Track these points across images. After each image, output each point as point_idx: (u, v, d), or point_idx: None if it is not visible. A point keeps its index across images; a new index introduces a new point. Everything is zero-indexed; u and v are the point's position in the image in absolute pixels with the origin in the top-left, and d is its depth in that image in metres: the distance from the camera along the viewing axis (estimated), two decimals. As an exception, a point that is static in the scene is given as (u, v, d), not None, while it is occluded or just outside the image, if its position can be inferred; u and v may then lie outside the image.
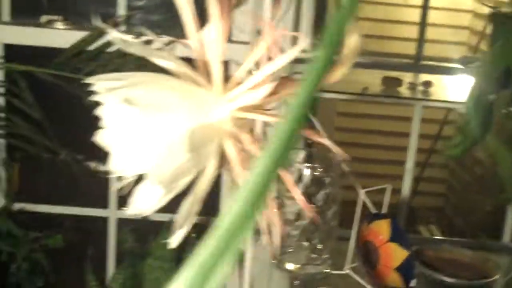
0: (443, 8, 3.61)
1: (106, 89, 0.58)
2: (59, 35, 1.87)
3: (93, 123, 0.60)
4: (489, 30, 3.23)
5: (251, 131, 0.58)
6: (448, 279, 1.73)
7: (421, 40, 1.96)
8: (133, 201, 0.62)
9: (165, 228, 1.65)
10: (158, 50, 0.57)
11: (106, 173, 0.59)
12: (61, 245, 1.81)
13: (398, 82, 1.75)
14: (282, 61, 0.57)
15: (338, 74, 0.64)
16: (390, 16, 3.73)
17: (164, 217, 2.13)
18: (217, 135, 0.56)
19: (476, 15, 3.59)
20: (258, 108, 0.58)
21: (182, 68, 0.58)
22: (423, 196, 3.49)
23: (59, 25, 1.91)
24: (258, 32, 1.82)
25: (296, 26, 1.95)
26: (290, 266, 1.70)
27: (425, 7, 1.91)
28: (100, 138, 0.64)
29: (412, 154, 1.98)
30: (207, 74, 0.61)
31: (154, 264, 1.62)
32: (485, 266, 1.82)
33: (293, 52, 0.56)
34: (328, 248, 1.73)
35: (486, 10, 3.22)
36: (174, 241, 0.61)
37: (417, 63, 1.89)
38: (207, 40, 0.58)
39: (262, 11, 1.83)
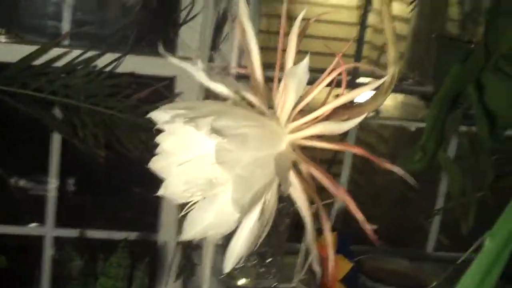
0: (345, 23, 3.74)
1: (174, 117, 0.61)
2: (3, 49, 1.82)
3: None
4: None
5: (315, 159, 0.61)
6: (388, 289, 1.81)
7: (357, 57, 2.04)
8: (188, 226, 0.64)
9: (120, 247, 1.64)
10: (235, 81, 0.59)
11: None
12: (4, 265, 1.76)
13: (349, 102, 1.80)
14: (350, 95, 0.61)
15: (380, 102, 0.69)
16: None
17: (102, 234, 2.11)
18: (289, 162, 0.59)
19: (376, 30, 3.76)
20: (319, 136, 0.62)
21: (250, 98, 0.61)
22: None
23: (2, 38, 1.86)
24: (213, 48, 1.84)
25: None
26: (242, 281, 1.73)
27: (363, 25, 2.00)
28: (156, 164, 0.66)
29: (346, 170, 2.06)
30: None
31: (107, 284, 1.60)
32: (421, 275, 1.92)
33: (363, 89, 0.60)
34: (278, 262, 1.77)
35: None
36: (229, 265, 0.63)
37: (353, 80, 1.97)
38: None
39: (207, 27, 1.87)
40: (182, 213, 0.64)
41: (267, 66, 0.67)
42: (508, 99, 1.38)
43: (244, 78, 0.73)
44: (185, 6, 1.94)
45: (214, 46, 1.90)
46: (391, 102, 1.86)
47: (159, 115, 0.63)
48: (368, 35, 3.80)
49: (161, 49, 0.63)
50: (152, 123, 1.88)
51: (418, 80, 2.03)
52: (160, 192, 0.66)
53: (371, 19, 2.14)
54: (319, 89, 0.62)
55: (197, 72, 0.61)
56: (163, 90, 1.88)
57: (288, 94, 0.60)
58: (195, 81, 1.87)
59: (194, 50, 1.96)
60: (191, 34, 1.96)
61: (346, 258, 1.79)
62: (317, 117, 0.62)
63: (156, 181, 0.67)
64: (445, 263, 2.04)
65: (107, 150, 1.80)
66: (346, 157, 2.13)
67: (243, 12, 0.63)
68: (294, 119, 0.63)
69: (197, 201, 0.64)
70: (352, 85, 2.05)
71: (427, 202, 2.42)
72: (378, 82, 0.63)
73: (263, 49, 0.65)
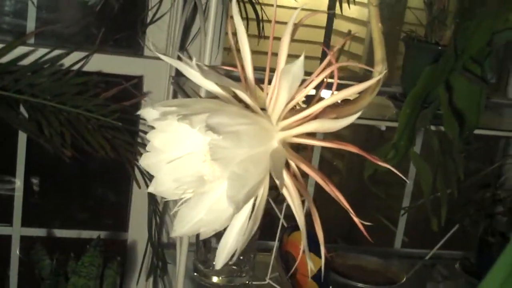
0: (308, 25, 3.76)
1: (165, 114, 0.60)
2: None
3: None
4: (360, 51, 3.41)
5: (305, 158, 0.62)
6: (360, 285, 1.83)
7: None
8: (179, 223, 0.64)
9: (92, 246, 1.63)
10: (228, 79, 0.59)
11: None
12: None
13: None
14: (340, 95, 0.62)
15: (367, 100, 0.70)
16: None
17: (71, 233, 2.10)
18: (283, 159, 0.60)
19: (336, 32, 3.80)
20: (311, 134, 0.62)
21: (242, 96, 0.61)
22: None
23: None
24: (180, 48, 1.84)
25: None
26: (214, 279, 1.74)
27: (329, 29, 2.02)
28: (146, 161, 0.66)
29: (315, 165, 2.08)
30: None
31: (79, 283, 1.59)
32: (390, 271, 1.95)
33: (353, 89, 0.61)
34: (250, 260, 1.78)
35: (345, 28, 3.43)
36: (220, 262, 0.63)
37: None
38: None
39: (175, 27, 1.86)
40: (173, 211, 0.64)
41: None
42: (476, 99, 1.41)
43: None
44: (153, 5, 1.93)
45: (182, 46, 1.89)
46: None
47: (149, 113, 0.62)
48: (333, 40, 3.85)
49: (151, 47, 0.63)
50: (119, 121, 1.85)
51: (385, 81, 2.05)
52: (150, 189, 0.66)
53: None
54: (311, 88, 0.62)
55: (190, 71, 0.61)
56: (131, 89, 1.88)
57: (280, 92, 0.60)
58: (162, 80, 1.87)
59: (161, 50, 1.95)
60: (159, 34, 1.95)
61: (316, 256, 1.81)
62: (307, 116, 0.62)
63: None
64: (413, 259, 2.08)
65: (74, 149, 1.78)
66: (314, 155, 2.15)
67: (235, 11, 0.64)
68: (285, 117, 0.63)
69: (188, 199, 0.64)
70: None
71: (392, 200, 2.46)
72: (369, 82, 0.64)
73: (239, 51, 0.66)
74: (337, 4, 1.80)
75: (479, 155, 2.19)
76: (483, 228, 1.85)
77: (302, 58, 0.56)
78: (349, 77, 2.81)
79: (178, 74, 1.82)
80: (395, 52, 2.63)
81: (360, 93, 0.71)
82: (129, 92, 1.88)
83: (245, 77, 0.65)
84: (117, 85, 1.84)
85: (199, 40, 1.86)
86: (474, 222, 1.84)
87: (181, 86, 1.68)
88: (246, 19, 1.87)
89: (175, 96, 1.85)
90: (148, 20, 1.94)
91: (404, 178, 0.60)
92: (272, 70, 0.65)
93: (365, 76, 2.95)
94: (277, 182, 0.56)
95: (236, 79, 0.64)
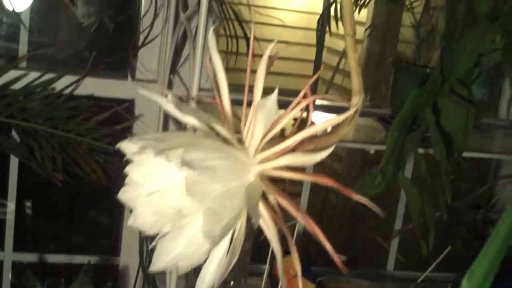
0: (300, 43, 3.78)
1: (143, 148, 0.61)
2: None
3: None
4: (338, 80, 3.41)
5: (283, 189, 0.62)
6: (352, 308, 1.83)
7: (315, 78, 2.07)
8: (157, 257, 0.65)
9: (82, 271, 1.62)
10: (207, 114, 0.60)
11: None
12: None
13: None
14: (318, 127, 0.62)
15: (345, 131, 0.71)
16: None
17: (63, 258, 2.09)
18: (258, 193, 0.60)
19: (329, 50, 3.82)
20: (288, 167, 0.63)
21: (219, 129, 0.62)
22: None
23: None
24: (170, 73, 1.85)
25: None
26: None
27: (319, 51, 2.03)
28: (125, 195, 0.66)
29: (306, 192, 2.08)
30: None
31: (70, 308, 1.58)
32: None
33: (331, 121, 0.62)
34: (241, 284, 1.77)
35: (340, 46, 3.44)
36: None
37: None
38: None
39: (166, 50, 1.87)
40: (152, 245, 0.64)
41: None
42: (463, 121, 1.42)
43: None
44: (144, 28, 1.94)
45: (173, 69, 1.90)
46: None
47: (128, 146, 0.63)
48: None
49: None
50: (110, 146, 1.86)
51: (375, 102, 2.07)
52: (130, 222, 0.66)
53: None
54: (287, 120, 0.63)
55: (167, 105, 0.62)
56: (122, 113, 1.88)
57: (256, 126, 0.61)
58: (154, 103, 1.87)
59: (152, 73, 1.96)
60: (150, 57, 1.96)
61: (308, 280, 1.81)
62: (284, 148, 0.63)
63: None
64: (405, 282, 2.07)
65: (66, 173, 1.78)
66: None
67: (212, 47, 0.64)
68: (263, 150, 0.64)
69: (167, 232, 0.64)
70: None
71: (386, 221, 2.45)
72: (345, 115, 0.64)
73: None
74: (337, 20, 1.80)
75: (471, 176, 2.19)
76: (474, 250, 1.84)
77: (275, 93, 0.57)
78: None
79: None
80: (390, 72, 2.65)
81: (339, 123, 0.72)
82: (121, 115, 1.89)
83: (223, 110, 0.65)
84: (108, 109, 1.85)
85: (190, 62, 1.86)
86: (466, 243, 1.84)
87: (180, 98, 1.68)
88: (235, 37, 1.89)
89: (166, 119, 1.86)
90: (140, 43, 1.95)
91: (378, 209, 0.60)
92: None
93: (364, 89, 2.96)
94: (252, 216, 0.56)
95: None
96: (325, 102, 2.10)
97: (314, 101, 0.63)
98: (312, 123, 0.63)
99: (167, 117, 1.85)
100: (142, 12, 1.97)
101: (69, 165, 1.79)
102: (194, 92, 1.52)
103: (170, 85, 1.85)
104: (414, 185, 1.46)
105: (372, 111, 1.93)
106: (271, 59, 0.63)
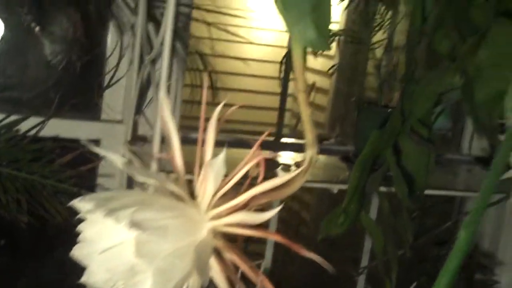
0: (268, 93, 3.81)
1: (95, 207, 0.61)
2: None
3: None
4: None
5: (236, 245, 0.63)
6: None
7: (280, 118, 2.09)
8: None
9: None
10: (156, 172, 0.61)
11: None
12: None
13: (274, 163, 1.84)
14: (268, 184, 0.63)
15: (298, 184, 0.72)
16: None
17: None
18: (208, 251, 0.61)
19: (296, 99, 3.85)
20: (241, 223, 0.63)
21: (171, 187, 0.62)
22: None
23: None
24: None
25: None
26: None
27: (284, 93, 2.05)
28: (78, 252, 0.66)
29: (273, 225, 2.08)
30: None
31: None
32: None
33: (282, 179, 0.63)
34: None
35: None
36: None
37: (277, 141, 2.01)
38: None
39: (132, 91, 1.88)
40: (105, 302, 0.64)
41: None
42: (424, 161, 1.44)
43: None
44: (110, 69, 1.95)
45: (139, 109, 1.91)
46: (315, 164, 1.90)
47: (81, 204, 0.63)
48: (290, 103, 3.91)
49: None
50: (75, 188, 1.84)
51: (340, 139, 2.09)
52: (83, 279, 0.66)
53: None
54: (238, 178, 0.64)
55: (121, 165, 0.62)
56: (87, 154, 1.87)
57: (207, 183, 0.62)
58: (119, 143, 1.87)
59: (119, 113, 1.96)
60: (116, 98, 1.97)
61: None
62: (237, 204, 0.64)
63: None
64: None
65: (30, 215, 1.77)
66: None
67: (164, 108, 0.65)
68: (216, 205, 0.64)
69: (120, 289, 0.64)
70: (277, 145, 2.09)
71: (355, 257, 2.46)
72: (296, 172, 0.65)
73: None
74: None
75: (436, 212, 2.21)
76: (440, 285, 1.85)
77: (223, 154, 0.58)
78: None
79: (134, 138, 1.84)
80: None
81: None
82: (87, 156, 1.88)
83: (176, 168, 0.66)
84: (74, 150, 1.84)
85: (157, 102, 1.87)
86: (431, 279, 1.85)
87: (136, 151, 1.69)
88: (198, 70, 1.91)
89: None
90: (105, 84, 1.96)
91: (331, 268, 0.61)
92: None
93: (331, 125, 2.97)
94: (200, 277, 0.57)
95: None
96: (292, 140, 2.12)
97: (264, 159, 0.64)
98: (264, 179, 0.64)
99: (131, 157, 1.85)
100: (108, 53, 1.98)
101: (34, 207, 1.78)
102: (157, 134, 1.52)
103: (135, 126, 1.86)
104: (378, 224, 1.47)
105: (337, 149, 1.95)
106: (220, 120, 0.64)
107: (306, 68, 2.09)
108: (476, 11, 1.44)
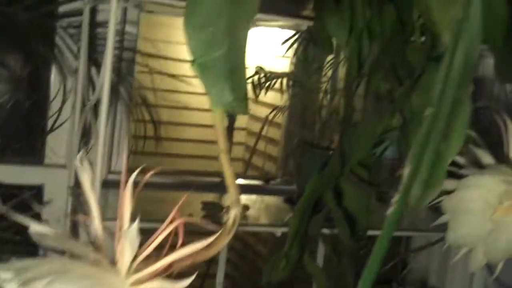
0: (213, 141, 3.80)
1: (11, 276, 0.60)
2: None
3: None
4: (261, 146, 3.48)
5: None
6: None
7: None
8: None
9: None
10: (72, 241, 0.60)
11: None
12: None
13: (218, 207, 1.84)
14: (187, 250, 0.63)
15: (221, 244, 0.72)
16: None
17: None
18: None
19: (250, 132, 3.89)
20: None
21: (90, 254, 0.62)
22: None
23: None
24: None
25: (110, 149, 2.00)
26: None
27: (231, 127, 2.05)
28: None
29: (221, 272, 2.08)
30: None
31: None
32: None
33: (201, 244, 0.63)
34: None
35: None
36: None
37: (222, 184, 2.01)
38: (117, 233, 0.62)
39: (74, 135, 1.87)
40: None
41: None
42: (364, 202, 1.45)
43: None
44: (52, 113, 1.93)
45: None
46: (260, 205, 1.92)
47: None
48: (243, 137, 3.93)
49: None
50: (17, 235, 1.80)
51: (287, 179, 2.10)
52: None
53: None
54: (156, 243, 0.64)
55: (46, 237, 0.62)
56: (30, 200, 1.85)
57: (125, 250, 0.62)
58: (63, 188, 1.84)
59: (63, 157, 1.95)
60: (59, 142, 1.95)
61: None
62: (157, 269, 0.63)
63: None
64: None
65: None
66: (221, 257, 2.15)
67: (84, 180, 0.66)
68: (137, 270, 0.64)
69: None
70: (222, 188, 2.08)
71: None
72: (217, 234, 0.66)
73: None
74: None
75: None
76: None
77: (135, 225, 0.58)
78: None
79: (77, 184, 1.82)
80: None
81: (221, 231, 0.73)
82: (28, 203, 1.86)
83: (95, 235, 0.65)
84: (16, 196, 1.81)
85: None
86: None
87: (78, 197, 1.67)
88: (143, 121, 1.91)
89: (73, 206, 1.84)
90: (48, 128, 1.94)
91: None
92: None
93: (284, 159, 2.98)
94: None
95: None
96: (246, 182, 2.12)
97: (182, 224, 0.64)
98: (182, 244, 0.64)
99: (75, 203, 1.83)
100: (52, 97, 1.97)
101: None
102: (98, 179, 1.51)
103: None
104: (323, 267, 1.48)
105: (283, 189, 1.96)
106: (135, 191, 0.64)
107: (258, 102, 2.11)
108: (412, 53, 1.47)
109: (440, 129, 0.42)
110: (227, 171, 0.72)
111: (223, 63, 0.63)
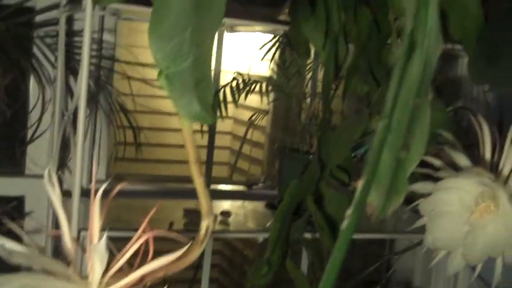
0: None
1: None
2: None
3: None
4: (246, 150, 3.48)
5: None
6: None
7: (208, 163, 2.09)
8: None
9: None
10: (43, 257, 0.60)
11: None
12: None
13: (200, 214, 1.80)
14: (158, 263, 0.63)
15: (194, 255, 0.71)
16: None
17: None
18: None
19: (235, 136, 3.90)
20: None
21: (61, 269, 0.62)
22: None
23: None
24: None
25: (91, 158, 1.99)
26: None
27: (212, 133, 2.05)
28: None
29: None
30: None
31: None
32: None
33: (171, 257, 0.63)
34: None
35: (242, 132, 3.51)
36: None
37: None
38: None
39: (54, 145, 1.85)
40: None
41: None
42: (344, 206, 1.45)
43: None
44: (32, 123, 1.92)
45: (62, 164, 1.88)
46: (243, 210, 1.91)
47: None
48: (228, 141, 3.93)
49: None
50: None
51: (270, 183, 2.10)
52: None
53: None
54: (127, 257, 0.63)
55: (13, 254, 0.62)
56: (11, 211, 1.84)
57: (94, 265, 0.61)
58: (44, 200, 1.84)
59: (42, 168, 1.93)
60: (39, 152, 1.94)
61: None
62: (128, 282, 0.63)
63: None
64: None
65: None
66: (205, 262, 2.14)
67: (51, 191, 0.65)
68: (108, 284, 0.64)
69: None
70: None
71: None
72: (181, 251, 0.65)
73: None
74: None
75: (368, 253, 2.23)
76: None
77: (104, 239, 0.58)
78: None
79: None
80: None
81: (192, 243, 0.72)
82: (11, 213, 1.85)
83: (66, 246, 0.65)
84: (-4, 208, 1.80)
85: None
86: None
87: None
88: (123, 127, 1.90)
89: (55, 216, 1.82)
90: (28, 139, 1.93)
91: None
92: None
93: (269, 162, 2.98)
94: None
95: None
96: (227, 188, 2.12)
97: (153, 236, 0.64)
98: (153, 258, 0.64)
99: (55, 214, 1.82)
100: (31, 107, 1.96)
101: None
102: (77, 189, 1.51)
103: (60, 181, 1.83)
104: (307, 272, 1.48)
105: (265, 193, 1.96)
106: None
107: (242, 106, 2.11)
108: (388, 55, 1.47)
109: (396, 138, 0.42)
110: (198, 181, 0.71)
111: (190, 74, 0.63)
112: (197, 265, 2.35)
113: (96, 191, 0.64)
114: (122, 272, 0.66)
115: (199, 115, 0.64)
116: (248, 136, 3.38)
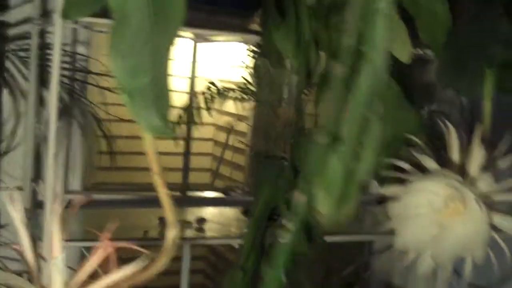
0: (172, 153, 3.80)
1: None
2: None
3: None
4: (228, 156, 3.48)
5: None
6: None
7: (185, 171, 2.09)
8: None
9: None
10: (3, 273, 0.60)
11: None
12: None
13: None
14: (121, 273, 0.63)
15: (161, 265, 0.72)
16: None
17: None
18: None
19: (217, 143, 3.90)
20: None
21: (23, 284, 0.62)
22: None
23: None
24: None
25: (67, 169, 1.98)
26: None
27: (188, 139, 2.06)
28: None
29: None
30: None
31: None
32: None
33: (133, 267, 0.63)
34: None
35: (223, 138, 3.51)
36: None
37: (184, 196, 2.01)
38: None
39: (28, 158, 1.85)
40: None
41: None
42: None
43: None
44: (6, 136, 1.92)
45: (37, 176, 1.88)
46: (221, 219, 1.92)
47: None
48: (210, 148, 3.93)
49: None
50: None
51: (248, 190, 2.11)
52: None
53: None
54: (89, 271, 0.64)
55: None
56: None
57: (55, 278, 0.62)
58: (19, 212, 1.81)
59: (20, 180, 1.93)
60: (13, 165, 1.93)
61: None
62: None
63: None
64: None
65: None
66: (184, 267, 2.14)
67: (15, 218, 0.66)
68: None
69: None
70: (184, 201, 2.08)
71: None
72: (141, 263, 0.66)
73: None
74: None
75: (347, 254, 2.23)
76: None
77: (63, 255, 0.59)
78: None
79: (35, 206, 1.80)
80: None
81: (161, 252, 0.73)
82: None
83: (27, 263, 0.66)
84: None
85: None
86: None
87: (36, 218, 1.66)
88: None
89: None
90: (2, 152, 1.92)
91: None
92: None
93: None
94: None
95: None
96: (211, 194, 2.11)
97: (115, 249, 0.64)
98: (114, 269, 0.64)
99: (32, 225, 1.81)
100: (4, 120, 1.95)
101: None
102: (49, 200, 1.50)
103: (34, 193, 1.83)
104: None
105: (243, 199, 1.96)
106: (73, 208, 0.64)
107: (224, 112, 2.12)
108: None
109: (346, 149, 0.43)
110: (162, 193, 0.72)
111: (150, 90, 0.64)
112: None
113: (56, 205, 0.64)
114: (84, 283, 0.67)
115: (159, 128, 0.64)
116: (230, 142, 3.39)
